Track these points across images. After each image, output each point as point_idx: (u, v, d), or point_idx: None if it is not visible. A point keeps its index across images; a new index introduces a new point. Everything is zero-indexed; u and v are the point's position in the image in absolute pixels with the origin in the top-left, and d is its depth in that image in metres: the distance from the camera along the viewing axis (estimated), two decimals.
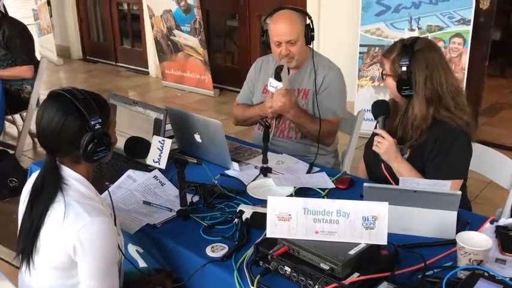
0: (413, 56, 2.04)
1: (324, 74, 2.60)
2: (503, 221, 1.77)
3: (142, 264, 1.94)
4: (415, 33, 4.24)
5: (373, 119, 2.17)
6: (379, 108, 2.15)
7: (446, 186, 1.79)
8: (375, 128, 2.16)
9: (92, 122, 1.51)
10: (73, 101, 1.51)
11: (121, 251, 1.64)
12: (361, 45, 4.63)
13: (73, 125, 1.50)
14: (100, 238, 1.49)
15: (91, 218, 1.48)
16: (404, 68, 2.03)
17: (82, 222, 1.47)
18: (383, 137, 2.07)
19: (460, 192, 1.70)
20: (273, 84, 2.47)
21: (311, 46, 2.61)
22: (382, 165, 2.07)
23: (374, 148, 2.09)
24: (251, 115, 2.70)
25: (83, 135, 1.51)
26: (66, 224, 1.48)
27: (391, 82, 2.11)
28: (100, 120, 1.52)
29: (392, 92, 2.14)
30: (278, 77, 2.45)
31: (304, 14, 2.60)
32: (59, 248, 1.50)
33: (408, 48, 2.05)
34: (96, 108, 1.53)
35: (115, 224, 1.60)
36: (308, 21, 2.55)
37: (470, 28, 4.13)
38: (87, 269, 1.51)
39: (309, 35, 2.54)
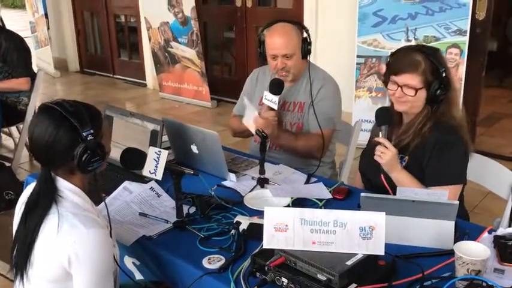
0: (441, 61, 2.05)
1: (320, 86, 2.60)
2: (502, 231, 1.76)
3: (138, 276, 1.92)
4: (410, 44, 4.25)
5: (372, 126, 2.15)
6: (384, 116, 2.11)
7: (444, 195, 1.78)
8: (371, 134, 2.14)
9: (84, 133, 1.50)
10: (63, 113, 1.50)
11: (117, 262, 1.63)
12: (358, 56, 4.64)
13: (65, 137, 1.50)
14: (95, 250, 1.48)
15: (86, 230, 1.47)
16: (444, 74, 2.02)
17: (77, 234, 1.46)
18: (386, 147, 2.04)
19: (457, 202, 1.69)
20: (268, 98, 2.44)
21: (308, 59, 2.60)
22: (382, 175, 2.06)
23: (376, 158, 2.06)
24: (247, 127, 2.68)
25: (76, 147, 1.50)
26: (60, 236, 1.47)
27: (423, 94, 2.06)
28: (92, 131, 1.51)
29: (420, 104, 2.09)
30: (273, 91, 2.44)
31: (302, 27, 2.59)
32: (53, 260, 1.49)
33: (432, 54, 2.04)
34: (87, 118, 1.53)
35: (110, 236, 1.58)
36: (305, 34, 2.55)
37: (466, 39, 4.14)
38: (82, 281, 1.49)
39: (305, 48, 2.53)
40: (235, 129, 2.81)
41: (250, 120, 2.41)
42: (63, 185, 1.55)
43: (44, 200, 1.52)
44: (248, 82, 2.85)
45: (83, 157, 1.50)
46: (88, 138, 1.50)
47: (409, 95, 2.06)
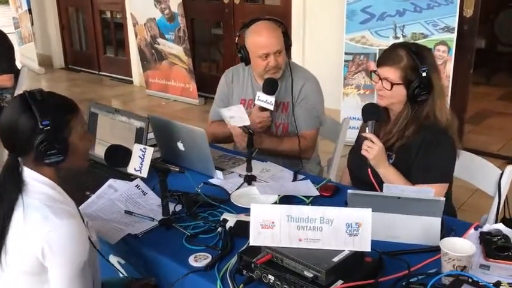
0: (425, 60, 2.04)
1: (302, 85, 2.57)
2: (488, 227, 1.77)
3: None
4: (400, 41, 4.25)
5: (362, 121, 2.14)
6: (371, 112, 2.11)
7: (430, 192, 1.78)
8: (360, 131, 2.13)
9: (43, 123, 1.48)
10: (28, 100, 1.49)
11: (98, 251, 1.61)
12: (346, 54, 4.63)
13: (25, 125, 1.48)
14: (69, 241, 1.47)
15: (59, 221, 1.46)
16: (424, 74, 2.01)
17: (50, 225, 1.45)
18: (373, 142, 2.04)
19: (443, 199, 1.70)
20: (262, 98, 2.41)
21: (289, 57, 2.58)
22: (369, 170, 2.05)
23: (363, 153, 2.06)
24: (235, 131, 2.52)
25: (35, 136, 1.48)
26: (32, 227, 1.45)
27: (400, 90, 2.06)
28: (48, 122, 1.48)
29: (399, 100, 2.09)
30: (268, 91, 2.41)
31: (278, 22, 2.54)
32: (27, 252, 1.47)
33: (417, 53, 2.03)
34: (51, 110, 1.50)
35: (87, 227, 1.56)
36: (283, 29, 2.52)
37: (454, 36, 4.16)
38: (57, 274, 1.48)
39: (287, 43, 2.51)
40: (218, 136, 2.67)
41: (242, 122, 2.30)
42: (31, 174, 1.53)
43: (10, 188, 1.50)
44: (223, 84, 2.74)
45: (39, 148, 1.48)
46: (45, 128, 1.48)
47: (386, 88, 2.07)
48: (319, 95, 2.63)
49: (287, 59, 2.57)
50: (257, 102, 2.44)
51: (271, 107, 2.42)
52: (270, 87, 2.42)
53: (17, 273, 1.52)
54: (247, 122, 2.29)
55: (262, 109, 2.45)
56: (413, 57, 2.03)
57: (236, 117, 2.32)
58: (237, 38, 2.55)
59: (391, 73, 2.06)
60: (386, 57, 2.10)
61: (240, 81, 2.69)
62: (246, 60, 2.55)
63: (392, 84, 2.05)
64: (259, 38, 2.47)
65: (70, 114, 1.56)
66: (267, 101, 2.41)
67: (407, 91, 2.05)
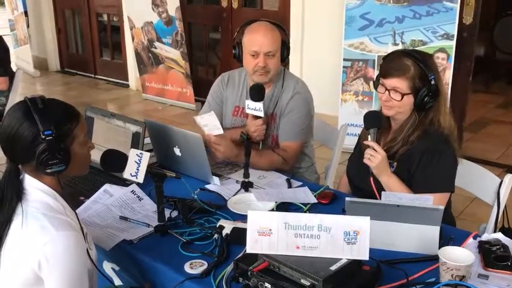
0: (431, 68, 2.02)
1: (290, 97, 2.51)
2: (486, 236, 1.76)
3: (118, 282, 1.88)
4: (399, 48, 4.24)
5: (363, 129, 2.12)
6: (373, 120, 2.08)
7: (429, 200, 1.77)
8: (360, 138, 2.11)
9: (45, 133, 1.45)
10: (30, 108, 1.46)
11: (95, 265, 1.58)
12: (344, 60, 4.62)
13: (26, 133, 1.46)
14: (66, 253, 1.44)
15: (57, 232, 1.43)
16: (432, 82, 2.00)
17: (48, 236, 1.42)
18: (375, 150, 2.02)
19: (442, 207, 1.68)
20: (251, 106, 2.39)
21: (284, 65, 2.53)
22: (371, 178, 2.03)
23: (366, 161, 2.03)
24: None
25: (37, 145, 1.46)
26: (29, 237, 1.43)
27: (409, 100, 2.04)
28: (50, 132, 1.46)
29: (406, 110, 2.07)
30: (255, 97, 2.38)
31: (282, 28, 2.52)
32: (23, 261, 1.44)
33: (423, 61, 2.01)
34: (54, 118, 1.48)
35: (86, 240, 1.53)
36: (285, 37, 2.49)
37: (453, 43, 4.15)
38: (53, 286, 1.44)
39: (284, 52, 2.48)
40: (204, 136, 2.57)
41: (216, 131, 2.29)
42: (31, 183, 1.51)
43: (9, 196, 1.48)
44: (217, 84, 2.69)
45: (41, 157, 1.46)
46: (47, 138, 1.45)
47: (395, 99, 2.04)
48: (306, 108, 2.54)
49: (282, 67, 2.53)
50: (248, 111, 2.42)
51: (261, 114, 2.39)
52: (256, 93, 2.39)
53: (11, 284, 1.48)
54: (220, 131, 2.28)
55: (255, 117, 2.42)
56: (420, 66, 2.01)
57: (209, 125, 2.30)
58: (235, 34, 2.54)
59: (400, 83, 2.03)
60: (393, 67, 2.05)
61: (235, 86, 2.66)
62: (239, 57, 2.52)
63: (402, 95, 2.03)
64: (253, 36, 2.44)
65: (72, 123, 1.54)
66: (255, 108, 2.38)
67: (415, 99, 2.03)
